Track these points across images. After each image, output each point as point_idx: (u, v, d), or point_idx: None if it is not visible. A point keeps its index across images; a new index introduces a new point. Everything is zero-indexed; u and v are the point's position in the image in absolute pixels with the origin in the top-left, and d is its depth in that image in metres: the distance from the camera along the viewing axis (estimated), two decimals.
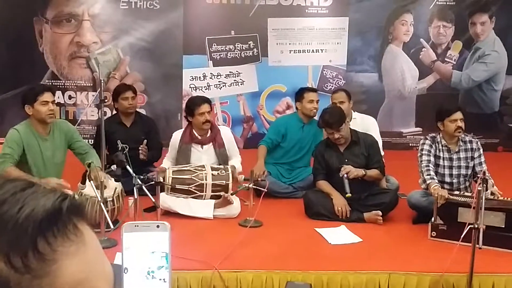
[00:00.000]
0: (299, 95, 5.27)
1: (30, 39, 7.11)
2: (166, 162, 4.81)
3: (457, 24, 7.57)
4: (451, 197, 4.05)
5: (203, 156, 4.72)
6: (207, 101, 4.79)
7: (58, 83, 7.23)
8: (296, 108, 5.32)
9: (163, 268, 1.42)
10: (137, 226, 1.43)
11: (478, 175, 3.64)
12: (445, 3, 7.52)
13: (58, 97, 7.04)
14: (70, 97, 7.30)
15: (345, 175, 4.30)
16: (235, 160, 4.80)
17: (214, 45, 7.35)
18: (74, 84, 7.30)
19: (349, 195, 4.26)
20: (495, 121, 7.73)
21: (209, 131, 4.76)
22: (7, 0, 7.03)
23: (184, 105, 7.24)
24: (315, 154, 4.73)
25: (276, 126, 5.41)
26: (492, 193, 3.98)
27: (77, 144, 4.30)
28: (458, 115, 4.30)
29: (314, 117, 5.28)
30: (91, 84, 7.30)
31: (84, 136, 6.93)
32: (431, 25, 7.57)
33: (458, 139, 4.38)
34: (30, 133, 4.07)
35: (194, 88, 7.38)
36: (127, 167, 4.00)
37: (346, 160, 4.48)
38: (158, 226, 1.43)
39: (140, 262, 1.42)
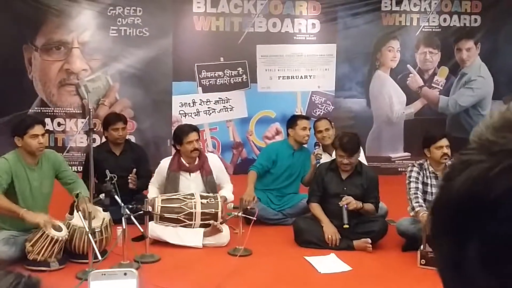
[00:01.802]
0: (292, 122, 5.30)
1: (19, 67, 7.12)
2: (152, 188, 4.79)
3: (443, 50, 7.68)
4: None
5: (191, 184, 4.72)
6: (195, 129, 4.81)
7: (47, 110, 7.22)
8: (288, 134, 5.34)
9: None
10: (104, 274, 1.42)
11: None
12: (431, 29, 7.64)
13: (47, 124, 7.02)
14: (59, 124, 7.29)
15: (345, 206, 4.30)
16: (227, 189, 4.77)
17: (204, 71, 7.40)
18: (63, 111, 7.30)
19: (346, 226, 4.25)
20: None
21: (197, 159, 4.77)
22: None
23: (173, 131, 7.31)
24: (315, 175, 4.73)
25: (267, 152, 5.43)
26: None
27: (64, 173, 4.29)
28: (444, 141, 4.34)
29: (305, 145, 5.30)
30: (80, 111, 7.29)
31: (73, 163, 6.90)
32: (417, 51, 7.68)
33: (445, 166, 4.42)
34: (19, 162, 4.06)
35: (184, 115, 7.40)
36: (115, 197, 3.99)
37: (345, 188, 4.48)
38: (125, 274, 1.41)
39: None
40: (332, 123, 5.35)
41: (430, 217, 0.55)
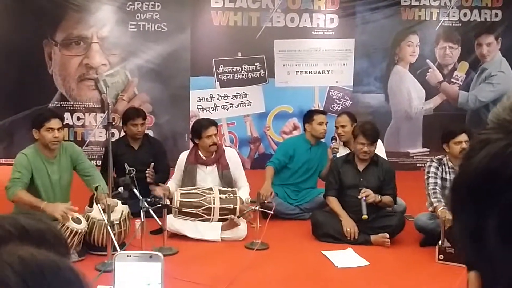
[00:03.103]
0: (308, 116, 5.29)
1: (39, 62, 7.21)
2: (172, 184, 4.82)
3: (463, 45, 7.60)
4: None
5: (208, 177, 4.74)
6: (214, 123, 4.83)
7: (66, 105, 7.30)
8: (305, 129, 5.33)
9: None
10: (130, 256, 1.41)
11: None
12: (451, 24, 7.56)
13: (67, 119, 7.11)
14: (78, 119, 7.37)
15: (364, 198, 4.30)
16: (243, 191, 4.73)
17: (221, 66, 7.42)
18: (83, 105, 7.37)
19: (365, 216, 4.25)
20: None
21: (214, 153, 4.79)
22: (17, 23, 7.13)
23: (191, 126, 7.34)
24: (331, 168, 4.73)
25: (284, 147, 5.42)
26: None
27: (82, 165, 4.34)
28: (463, 137, 4.29)
29: (322, 139, 5.29)
30: (100, 106, 7.36)
31: (92, 157, 6.97)
32: (437, 46, 7.61)
33: None
34: (38, 156, 4.12)
35: (201, 109, 7.43)
36: (134, 190, 4.02)
37: (361, 180, 4.49)
38: (151, 257, 1.41)
39: None
40: (355, 119, 5.26)
41: (450, 193, 0.58)
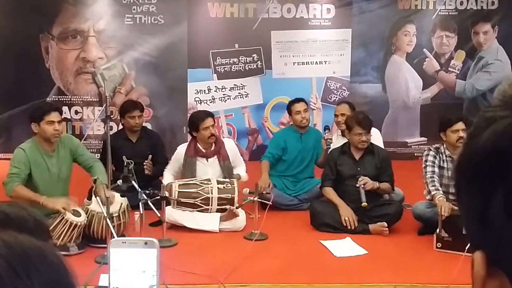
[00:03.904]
0: (288, 109, 5.33)
1: (36, 56, 7.20)
2: (167, 175, 4.84)
3: (460, 33, 7.60)
4: (456, 208, 4.05)
5: (208, 169, 4.76)
6: (211, 115, 4.84)
7: (64, 99, 7.30)
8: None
9: (154, 287, 1.42)
10: (125, 242, 1.42)
11: None
12: (447, 13, 7.55)
13: (65, 112, 7.10)
14: (76, 112, 7.37)
15: (362, 186, 4.33)
16: (240, 169, 4.84)
17: (218, 58, 7.41)
18: (80, 99, 7.37)
19: (365, 204, 4.28)
20: None
21: (213, 144, 4.80)
22: (14, 17, 7.12)
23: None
24: (327, 160, 4.75)
25: (275, 140, 5.44)
26: None
27: (82, 158, 4.35)
28: (460, 125, 4.31)
29: (307, 126, 5.28)
30: (97, 99, 7.36)
31: (91, 150, 6.92)
32: (434, 35, 7.60)
33: None
34: (36, 150, 4.13)
35: (199, 102, 7.43)
36: (133, 182, 4.03)
37: (359, 169, 4.51)
38: (146, 243, 1.41)
39: (130, 281, 1.40)
40: (354, 108, 5.27)
41: (454, 173, 0.56)
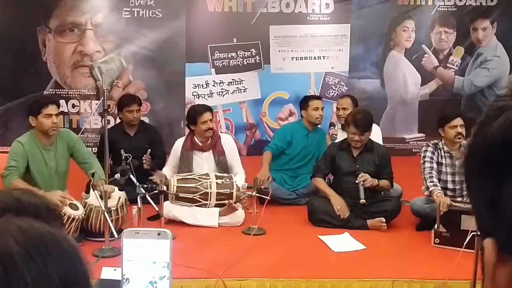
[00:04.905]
0: (304, 103, 5.29)
1: (33, 49, 7.15)
2: (167, 170, 4.82)
3: (458, 29, 7.59)
4: (454, 204, 4.05)
5: (204, 163, 4.75)
6: (209, 109, 4.83)
7: (61, 92, 7.27)
8: (301, 115, 5.33)
9: (164, 278, 1.41)
10: (138, 233, 1.42)
11: None
12: (446, 9, 7.54)
13: (62, 106, 7.05)
14: (73, 106, 7.34)
15: (362, 182, 4.32)
16: (239, 178, 4.71)
17: (217, 53, 7.39)
18: (78, 92, 7.33)
19: (363, 201, 4.28)
20: None
21: (210, 138, 4.79)
22: (11, 10, 7.07)
23: (186, 113, 7.31)
24: (324, 153, 4.75)
25: (282, 132, 5.43)
26: None
27: (79, 152, 4.33)
28: (458, 121, 4.31)
29: (319, 125, 5.29)
30: (94, 93, 7.33)
31: (88, 144, 6.93)
32: (432, 31, 7.59)
33: (460, 145, 4.39)
34: (34, 144, 4.11)
35: (197, 96, 7.41)
36: (131, 176, 4.02)
37: (358, 166, 4.51)
38: (159, 234, 1.41)
39: (141, 272, 1.40)
40: (357, 103, 5.27)
41: (464, 161, 0.57)
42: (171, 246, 1.39)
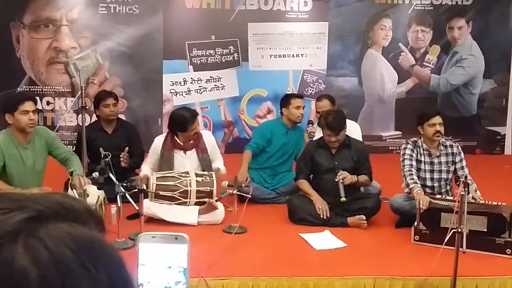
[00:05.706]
0: (285, 101, 5.27)
1: (7, 45, 7.00)
2: (146, 168, 4.76)
3: (435, 28, 7.67)
4: (434, 201, 4.09)
5: (186, 161, 4.69)
6: (197, 114, 4.81)
7: (36, 89, 7.13)
8: (281, 113, 5.32)
9: (180, 283, 1.37)
10: (154, 237, 1.37)
11: (461, 179, 3.69)
12: (423, 8, 7.62)
13: (36, 103, 6.92)
14: (48, 103, 7.21)
15: (341, 180, 4.32)
16: (218, 162, 4.78)
17: (194, 50, 7.33)
18: (52, 89, 7.20)
19: (344, 199, 4.28)
20: (473, 124, 7.84)
21: None
22: None
23: (164, 110, 7.26)
24: (303, 153, 4.75)
25: (261, 130, 5.41)
26: (473, 198, 4.03)
27: (58, 151, 4.25)
28: (437, 119, 4.36)
29: (299, 123, 5.29)
30: (70, 90, 7.21)
31: (64, 142, 6.79)
32: (409, 29, 7.66)
33: (439, 143, 4.43)
34: (11, 142, 4.01)
35: (175, 93, 7.34)
36: (110, 174, 3.96)
37: (336, 163, 4.52)
38: (176, 238, 1.37)
39: (156, 277, 1.36)
40: (334, 101, 5.28)
41: None
42: (189, 251, 1.35)
